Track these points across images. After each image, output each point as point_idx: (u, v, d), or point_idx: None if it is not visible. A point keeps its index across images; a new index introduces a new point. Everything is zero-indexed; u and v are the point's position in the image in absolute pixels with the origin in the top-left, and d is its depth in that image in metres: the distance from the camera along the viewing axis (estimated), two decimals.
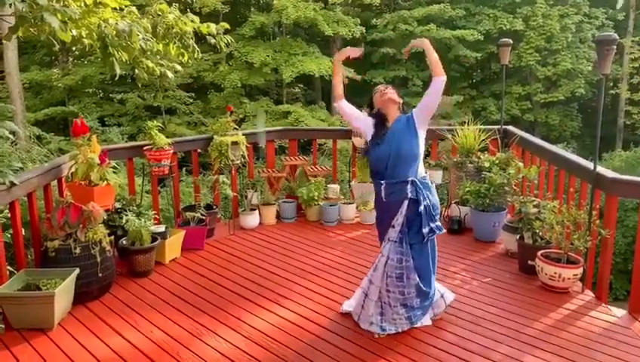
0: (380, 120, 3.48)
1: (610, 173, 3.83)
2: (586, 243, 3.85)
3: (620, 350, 3.25)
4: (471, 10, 21.11)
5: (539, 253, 4.08)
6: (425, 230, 3.35)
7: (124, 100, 17.48)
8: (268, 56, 17.47)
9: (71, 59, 19.45)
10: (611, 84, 21.73)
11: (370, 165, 3.58)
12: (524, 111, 20.92)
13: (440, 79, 3.36)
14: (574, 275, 3.93)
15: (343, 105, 3.65)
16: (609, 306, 3.83)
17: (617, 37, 3.68)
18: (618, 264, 12.31)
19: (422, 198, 3.35)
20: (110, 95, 18.20)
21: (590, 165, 3.97)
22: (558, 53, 20.47)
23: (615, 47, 3.62)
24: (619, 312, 3.73)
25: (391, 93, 3.49)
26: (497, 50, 5.94)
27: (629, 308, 3.74)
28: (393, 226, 3.40)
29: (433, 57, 3.40)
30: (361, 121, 3.59)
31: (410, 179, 3.34)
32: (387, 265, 3.43)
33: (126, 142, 14.16)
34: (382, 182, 3.40)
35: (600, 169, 3.90)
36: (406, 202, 3.35)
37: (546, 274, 3.99)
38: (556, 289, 3.98)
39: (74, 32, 4.20)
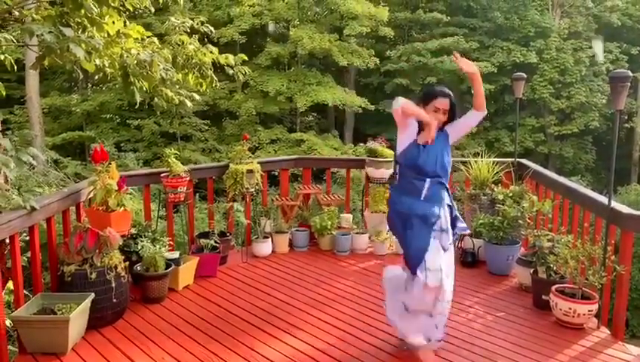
0: (420, 127, 3.41)
1: (625, 209, 3.81)
2: (601, 279, 3.82)
3: None
4: (485, 42, 21.33)
5: (553, 288, 4.05)
6: (462, 224, 3.49)
7: (140, 126, 17.76)
8: (283, 85, 17.73)
9: (90, 85, 19.86)
10: (626, 118, 21.69)
11: (413, 164, 3.35)
12: (537, 143, 20.91)
13: (482, 114, 3.43)
14: (589, 311, 3.88)
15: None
16: (625, 344, 3.77)
17: (631, 73, 3.71)
18: (635, 300, 12.10)
19: (454, 205, 3.45)
20: (127, 121, 18.52)
21: (605, 200, 3.96)
22: (572, 86, 20.55)
23: (629, 83, 3.64)
24: (635, 350, 3.68)
25: (443, 120, 3.40)
26: (511, 83, 5.99)
27: None
28: (437, 230, 3.30)
29: (481, 89, 3.40)
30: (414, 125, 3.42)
31: (447, 185, 3.40)
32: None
33: (141, 167, 14.36)
34: (427, 179, 3.31)
35: (615, 204, 3.88)
36: (444, 206, 3.35)
37: (560, 309, 3.95)
38: (571, 325, 3.93)
39: (97, 62, 4.33)
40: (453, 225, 3.44)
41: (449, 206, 3.40)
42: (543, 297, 4.19)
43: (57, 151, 14.37)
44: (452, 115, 3.44)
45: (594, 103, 20.50)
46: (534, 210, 4.79)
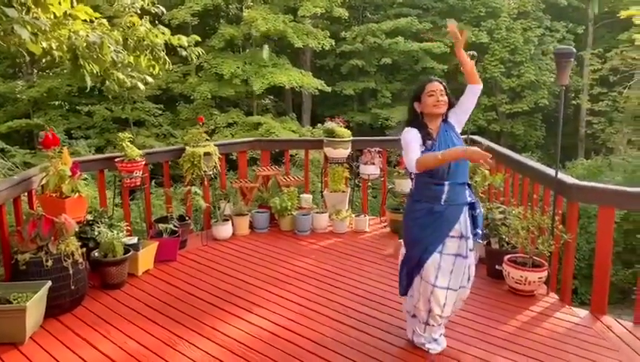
0: (422, 126, 3.18)
1: (570, 180, 4.00)
2: (549, 248, 4.01)
3: (583, 349, 3.39)
4: (437, 23, 21.55)
5: (505, 258, 4.23)
6: (479, 231, 3.21)
7: (91, 112, 17.23)
8: (238, 67, 17.49)
9: (36, 70, 19.12)
10: (573, 95, 22.44)
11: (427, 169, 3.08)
12: (490, 121, 21.42)
13: (479, 86, 3.30)
14: (539, 278, 4.08)
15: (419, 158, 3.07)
16: (572, 307, 3.99)
17: (574, 50, 3.87)
18: (583, 269, 12.66)
19: (476, 202, 3.22)
20: (77, 107, 17.92)
21: (552, 172, 4.13)
22: (522, 65, 21.07)
23: (573, 59, 3.80)
24: (581, 313, 3.89)
25: (444, 102, 3.18)
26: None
27: (591, 309, 3.90)
28: (459, 237, 3.15)
29: (470, 64, 3.25)
30: (419, 143, 3.14)
31: (468, 182, 3.23)
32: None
33: (93, 154, 13.98)
34: (445, 183, 3.09)
35: (561, 176, 4.07)
36: (466, 207, 3.17)
37: (512, 278, 4.13)
38: (523, 292, 4.12)
39: (44, 44, 4.19)
40: (474, 225, 3.20)
41: (470, 203, 3.18)
42: (497, 267, 4.37)
43: (3, 140, 13.82)
44: (449, 102, 3.24)
45: (543, 81, 21.12)
46: (486, 183, 4.95)
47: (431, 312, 3.24)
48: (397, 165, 6.04)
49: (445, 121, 3.25)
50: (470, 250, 3.21)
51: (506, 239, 4.36)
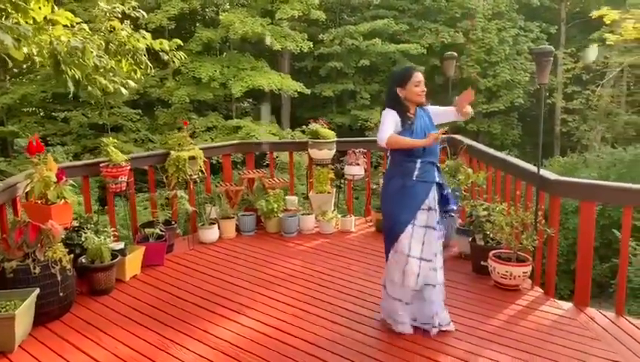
0: (403, 110, 3.49)
1: (552, 176, 4.11)
2: (533, 242, 4.10)
3: (568, 339, 3.49)
4: (414, 24, 21.77)
5: (490, 254, 4.31)
6: (454, 206, 3.61)
7: (67, 119, 17.00)
8: (216, 71, 17.42)
9: (8, 77, 18.78)
10: (548, 94, 22.86)
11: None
12: (467, 121, 21.64)
13: (459, 119, 3.73)
14: (524, 273, 4.17)
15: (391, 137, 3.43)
16: (556, 300, 4.08)
17: (553, 49, 3.97)
18: (561, 265, 12.88)
19: (444, 183, 3.58)
20: (52, 114, 17.65)
21: (534, 169, 4.23)
22: (497, 65, 21.39)
23: (552, 58, 3.90)
24: (565, 305, 4.00)
25: (425, 91, 3.54)
26: (441, 64, 6.22)
27: (574, 301, 4.01)
28: (428, 209, 3.45)
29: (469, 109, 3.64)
30: (395, 124, 3.47)
31: (437, 163, 3.54)
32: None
33: (70, 161, 13.79)
34: (418, 160, 3.42)
35: (543, 172, 4.17)
36: (434, 186, 3.48)
37: (498, 273, 4.22)
38: (508, 286, 4.21)
39: (25, 50, 4.15)
40: (446, 202, 3.57)
41: (439, 184, 3.52)
42: (482, 263, 4.45)
43: None
44: None
45: (518, 81, 21.47)
46: (469, 181, 5.04)
47: (405, 283, 3.47)
48: (378, 166, 6.11)
49: (421, 107, 3.58)
50: (438, 223, 3.51)
51: (491, 235, 4.44)
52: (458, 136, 6.14)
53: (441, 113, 3.69)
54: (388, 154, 3.61)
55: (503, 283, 4.22)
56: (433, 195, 3.49)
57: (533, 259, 4.28)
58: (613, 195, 3.94)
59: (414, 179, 3.43)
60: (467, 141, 5.86)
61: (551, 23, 22.71)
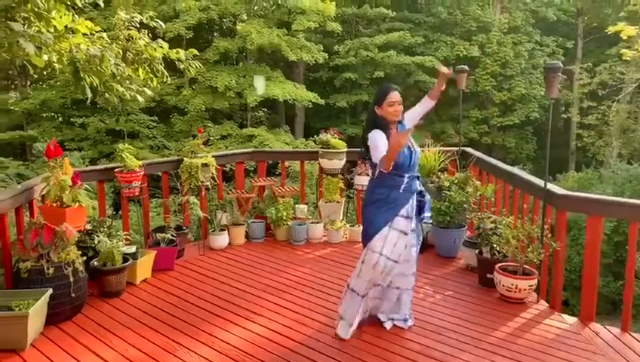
0: (384, 128, 3.64)
1: (559, 190, 4.13)
2: (539, 256, 4.12)
3: (571, 354, 3.50)
4: (429, 37, 21.89)
5: (496, 266, 4.33)
6: (427, 214, 3.84)
7: (85, 124, 17.30)
8: (232, 80, 17.64)
9: (29, 83, 19.18)
10: (563, 109, 22.78)
11: (394, 164, 3.52)
12: (481, 134, 21.69)
13: (433, 103, 3.96)
14: (529, 286, 4.18)
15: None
16: (562, 314, 4.09)
17: (562, 64, 4.01)
18: (574, 281, 12.76)
19: (424, 191, 3.83)
20: (71, 119, 17.98)
21: (541, 183, 4.26)
22: (513, 78, 21.41)
23: (561, 73, 3.94)
24: (570, 320, 4.00)
25: (401, 110, 3.70)
26: (454, 76, 6.27)
27: (579, 316, 4.01)
28: (405, 217, 3.66)
29: (443, 87, 3.95)
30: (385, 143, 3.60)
31: (417, 175, 3.78)
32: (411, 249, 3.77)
33: (87, 165, 14.03)
34: (405, 175, 3.62)
35: (550, 186, 4.19)
36: (415, 195, 3.72)
37: (503, 285, 4.24)
38: (513, 299, 4.23)
39: (45, 57, 4.28)
40: (421, 210, 3.79)
41: (420, 192, 3.77)
42: (488, 275, 4.47)
43: None
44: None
45: (533, 95, 21.44)
46: (478, 194, 5.07)
47: (370, 280, 3.71)
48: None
49: (400, 121, 3.75)
50: (412, 230, 3.73)
51: (497, 248, 4.47)
52: (468, 149, 6.18)
53: (418, 112, 3.92)
54: (376, 168, 3.67)
55: (509, 296, 4.24)
56: (412, 204, 3.70)
57: (540, 273, 4.29)
58: (619, 211, 3.95)
59: (400, 191, 3.64)
60: (476, 153, 5.89)
61: (567, 38, 22.68)
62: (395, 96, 3.63)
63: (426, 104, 3.94)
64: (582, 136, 21.90)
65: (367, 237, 3.71)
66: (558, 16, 22.63)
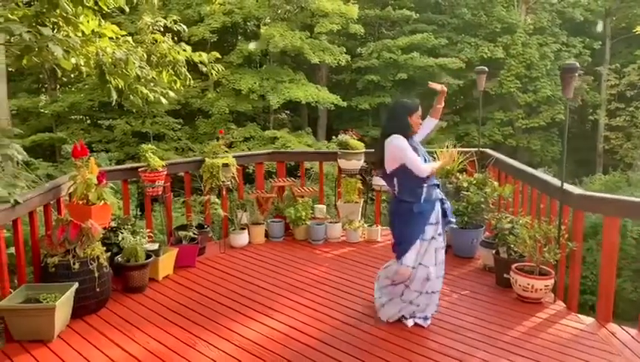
0: (410, 137, 3.83)
1: (575, 190, 4.12)
2: (555, 256, 4.12)
3: (586, 353, 3.50)
4: (453, 38, 21.75)
5: (513, 266, 4.34)
6: (453, 219, 4.02)
7: (112, 126, 17.67)
8: (255, 83, 17.81)
9: (59, 86, 19.66)
10: (590, 111, 22.41)
11: (414, 175, 3.78)
12: (506, 136, 21.45)
13: (437, 121, 4.12)
14: (546, 286, 4.18)
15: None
16: (578, 315, 4.08)
17: (578, 65, 4.02)
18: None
19: (444, 198, 3.96)
20: (98, 121, 18.39)
21: (558, 183, 4.26)
22: (538, 80, 21.14)
23: (576, 74, 3.94)
24: (587, 320, 3.99)
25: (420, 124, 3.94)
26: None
27: (596, 316, 4.00)
28: (434, 223, 3.82)
29: (442, 105, 4.11)
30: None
31: (437, 183, 3.94)
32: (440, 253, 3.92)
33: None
34: (424, 185, 3.78)
35: (567, 186, 4.19)
36: (438, 202, 3.87)
37: (519, 285, 4.25)
38: (529, 299, 4.23)
39: (73, 60, 4.44)
40: (444, 215, 3.94)
41: (440, 200, 3.90)
42: (505, 275, 4.48)
43: (27, 153, 14.24)
44: None
45: (559, 97, 21.12)
46: (495, 194, 5.08)
47: (404, 286, 3.89)
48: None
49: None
50: (439, 234, 3.87)
51: (514, 248, 4.48)
52: (487, 150, 6.18)
53: (423, 130, 4.05)
54: (395, 181, 3.83)
55: (525, 296, 4.24)
56: (437, 209, 3.86)
57: (556, 273, 4.29)
58: (636, 211, 3.92)
59: (422, 202, 3.77)
60: (495, 154, 5.89)
61: (595, 39, 22.30)
62: (420, 112, 3.86)
63: (429, 124, 4.08)
64: (609, 138, 21.54)
65: (399, 253, 3.85)
66: (585, 17, 22.28)
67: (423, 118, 3.97)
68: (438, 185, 3.93)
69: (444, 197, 3.98)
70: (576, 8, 22.12)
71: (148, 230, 5.01)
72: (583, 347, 3.59)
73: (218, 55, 5.56)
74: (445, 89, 4.10)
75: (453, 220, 4.07)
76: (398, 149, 3.71)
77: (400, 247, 3.85)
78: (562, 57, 21.65)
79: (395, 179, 3.83)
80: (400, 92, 21.17)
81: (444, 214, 3.94)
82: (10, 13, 4.33)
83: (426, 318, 3.94)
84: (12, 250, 4.04)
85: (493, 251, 4.73)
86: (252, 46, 18.07)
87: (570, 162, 21.78)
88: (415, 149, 3.78)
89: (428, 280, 3.83)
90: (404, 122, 3.78)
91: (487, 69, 6.10)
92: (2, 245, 3.66)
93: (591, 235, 11.11)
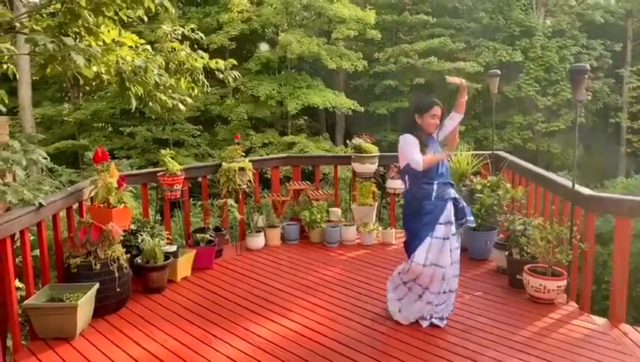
0: (419, 135, 3.90)
1: (586, 191, 4.14)
2: (567, 257, 4.14)
3: (598, 353, 3.51)
4: (471, 42, 21.71)
5: (526, 267, 4.37)
6: (470, 218, 4.01)
7: (133, 133, 18.00)
8: (273, 89, 18.01)
9: (81, 94, 20.09)
10: (612, 113, 22.15)
11: (422, 171, 3.83)
12: (525, 140, 21.29)
13: (461, 116, 4.12)
14: (558, 287, 4.20)
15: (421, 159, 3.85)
16: (591, 315, 4.09)
17: (588, 67, 4.05)
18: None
19: (458, 198, 3.97)
20: (120, 129, 18.76)
21: (569, 184, 4.28)
22: (558, 83, 20.96)
23: (586, 75, 3.97)
24: (599, 321, 4.00)
25: (438, 122, 3.96)
26: (489, 81, 6.33)
27: (609, 317, 4.00)
28: (446, 223, 3.84)
29: (465, 98, 4.08)
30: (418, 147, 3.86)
31: (451, 182, 3.98)
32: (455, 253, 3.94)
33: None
34: (434, 182, 3.85)
35: (578, 187, 4.21)
36: (451, 201, 3.89)
37: (532, 286, 4.27)
38: (542, 300, 4.25)
39: (94, 69, 4.60)
40: (460, 216, 3.96)
41: (454, 198, 3.92)
42: (518, 277, 4.51)
43: (51, 160, 14.57)
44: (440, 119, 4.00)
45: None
46: (508, 196, 5.10)
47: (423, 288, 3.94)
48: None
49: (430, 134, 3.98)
50: (453, 234, 3.89)
51: (527, 249, 4.50)
52: (501, 153, 6.20)
53: (447, 126, 4.07)
54: (406, 178, 3.97)
55: (537, 297, 4.27)
56: (450, 210, 3.88)
57: (569, 274, 4.30)
58: None
59: (433, 199, 3.83)
60: (509, 157, 5.92)
61: (616, 41, 22.05)
62: (437, 110, 3.89)
63: (455, 118, 4.09)
64: (632, 141, 21.25)
65: (410, 250, 3.91)
66: (606, 19, 22.06)
67: (448, 113, 4.04)
68: (452, 185, 3.98)
69: (458, 196, 3.99)
70: (596, 10, 21.92)
71: (167, 232, 5.14)
72: (594, 347, 3.61)
73: (235, 62, 5.69)
74: (465, 82, 4.09)
75: (471, 218, 4.06)
76: (402, 146, 3.87)
77: (410, 244, 3.92)
78: (582, 60, 21.42)
79: (407, 176, 3.96)
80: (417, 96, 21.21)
81: (462, 214, 3.96)
82: (35, 24, 4.52)
83: (442, 318, 3.98)
84: (36, 252, 4.20)
85: (507, 253, 4.75)
86: (263, 48, 18.26)
87: (593, 166, 21.52)
88: (425, 147, 3.84)
89: (444, 280, 3.89)
90: (412, 122, 3.94)
91: (499, 72, 6.13)
92: (28, 246, 3.81)
93: (612, 239, 10.95)
